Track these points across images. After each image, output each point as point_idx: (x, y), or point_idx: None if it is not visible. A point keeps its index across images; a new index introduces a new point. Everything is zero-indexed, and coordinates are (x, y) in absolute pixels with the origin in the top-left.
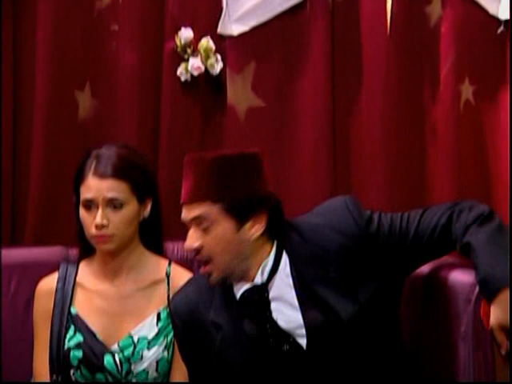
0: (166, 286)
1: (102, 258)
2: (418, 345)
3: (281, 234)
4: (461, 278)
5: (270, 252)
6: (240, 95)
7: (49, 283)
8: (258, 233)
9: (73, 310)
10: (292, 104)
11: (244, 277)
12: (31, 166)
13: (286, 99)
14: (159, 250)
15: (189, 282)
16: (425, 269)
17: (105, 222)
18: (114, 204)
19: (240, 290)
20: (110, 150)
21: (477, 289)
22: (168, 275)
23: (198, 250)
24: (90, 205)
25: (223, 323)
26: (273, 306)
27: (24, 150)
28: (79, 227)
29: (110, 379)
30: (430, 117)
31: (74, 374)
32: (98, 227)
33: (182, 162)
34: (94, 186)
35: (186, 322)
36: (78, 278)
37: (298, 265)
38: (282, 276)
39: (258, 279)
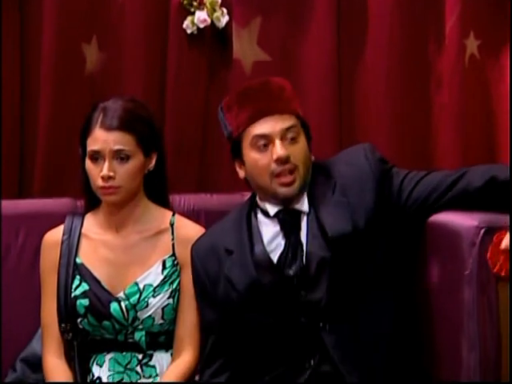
0: (171, 235)
1: (107, 209)
2: (422, 288)
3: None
4: (465, 221)
5: None
6: (246, 49)
7: (55, 235)
8: (314, 158)
9: (78, 260)
10: (298, 58)
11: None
12: (39, 119)
13: (292, 54)
14: (164, 203)
15: (207, 230)
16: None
17: (111, 173)
18: (120, 156)
19: (275, 209)
20: (117, 103)
21: (481, 232)
22: (172, 225)
23: (287, 159)
24: (97, 157)
25: (234, 248)
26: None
27: (32, 104)
28: (85, 180)
29: (116, 326)
30: (435, 71)
31: (81, 322)
32: (104, 178)
33: (187, 115)
34: (101, 138)
35: (204, 262)
36: (83, 230)
37: (314, 193)
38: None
39: (298, 204)
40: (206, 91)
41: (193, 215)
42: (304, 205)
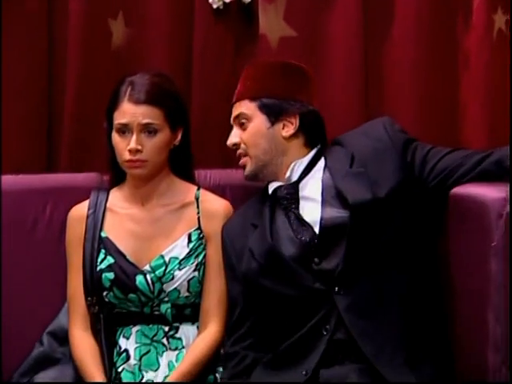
0: (196, 209)
1: (133, 183)
2: (445, 260)
3: (323, 143)
4: (492, 193)
5: (305, 155)
6: (272, 25)
7: (80, 210)
8: (289, 133)
9: (103, 234)
10: (324, 34)
11: (277, 177)
12: (66, 93)
13: (318, 29)
14: (189, 178)
15: (238, 210)
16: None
17: (139, 146)
18: (148, 130)
19: (272, 186)
20: (144, 78)
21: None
22: (197, 199)
23: (236, 145)
24: (124, 130)
25: (259, 223)
26: (301, 203)
27: (59, 78)
28: (111, 154)
29: (142, 299)
30: (462, 46)
31: (106, 295)
32: (132, 152)
33: (214, 90)
34: (129, 112)
35: (232, 240)
36: (108, 204)
37: (330, 165)
38: (315, 177)
39: (290, 177)
40: (232, 66)
41: (218, 190)
42: (292, 174)
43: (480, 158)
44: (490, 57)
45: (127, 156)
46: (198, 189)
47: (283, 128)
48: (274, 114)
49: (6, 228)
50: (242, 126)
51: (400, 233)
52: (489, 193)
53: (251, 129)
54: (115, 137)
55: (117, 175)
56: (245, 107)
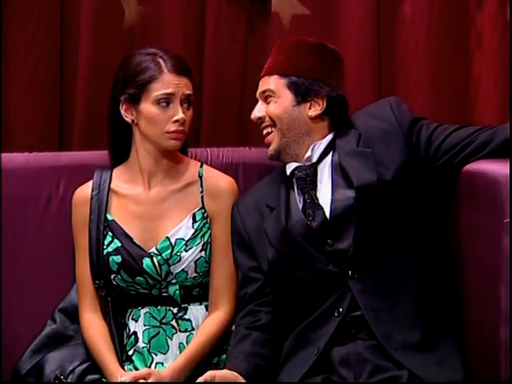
0: (200, 188)
1: (153, 160)
2: (456, 237)
3: (340, 127)
4: (504, 169)
5: (324, 137)
6: (285, 3)
7: (84, 191)
8: (315, 114)
9: (109, 217)
10: (337, 12)
11: (298, 157)
12: (78, 72)
13: (331, 7)
14: (185, 152)
15: (252, 188)
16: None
17: (186, 117)
18: (187, 101)
19: (291, 167)
20: (169, 52)
21: None
22: (201, 176)
23: (260, 119)
24: (168, 101)
25: (275, 205)
26: (318, 185)
27: (71, 57)
28: (114, 132)
29: (150, 281)
30: (475, 23)
31: (114, 278)
32: (179, 122)
33: (226, 68)
34: (173, 82)
35: (243, 216)
36: (112, 185)
37: (339, 144)
38: (329, 159)
39: (309, 157)
40: (244, 45)
41: (231, 168)
42: (311, 155)
43: (487, 137)
44: (503, 35)
45: (172, 127)
46: (201, 166)
47: (310, 108)
48: (302, 94)
49: (20, 205)
50: (267, 100)
51: (409, 213)
52: (501, 169)
53: (277, 105)
54: (153, 109)
55: (119, 153)
56: (273, 83)
